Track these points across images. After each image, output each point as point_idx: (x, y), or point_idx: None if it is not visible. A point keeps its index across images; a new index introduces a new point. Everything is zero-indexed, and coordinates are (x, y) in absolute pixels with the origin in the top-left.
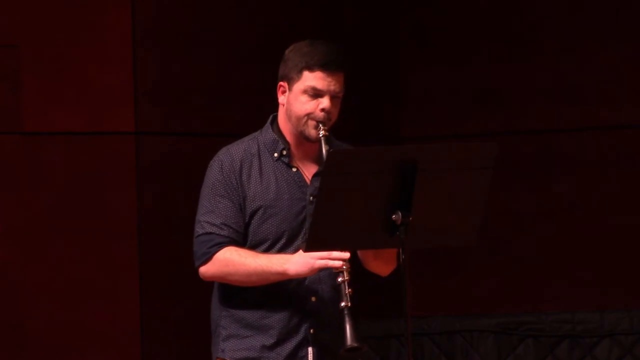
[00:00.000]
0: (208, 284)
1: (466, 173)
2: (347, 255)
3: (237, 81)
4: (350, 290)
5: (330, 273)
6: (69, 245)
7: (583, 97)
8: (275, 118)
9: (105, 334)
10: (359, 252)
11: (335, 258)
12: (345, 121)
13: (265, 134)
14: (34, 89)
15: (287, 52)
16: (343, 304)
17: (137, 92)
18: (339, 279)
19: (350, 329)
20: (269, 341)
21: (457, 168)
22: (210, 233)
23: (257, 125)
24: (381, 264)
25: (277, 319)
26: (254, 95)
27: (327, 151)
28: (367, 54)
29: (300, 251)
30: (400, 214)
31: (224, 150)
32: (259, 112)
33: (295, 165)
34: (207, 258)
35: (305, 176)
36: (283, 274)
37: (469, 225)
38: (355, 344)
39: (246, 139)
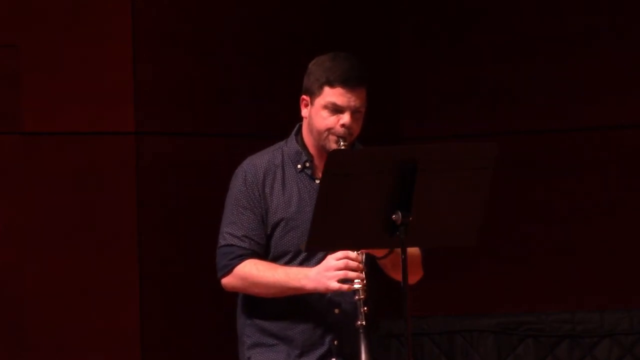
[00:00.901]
0: (208, 285)
1: (466, 173)
2: (362, 275)
3: (236, 81)
4: (365, 308)
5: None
6: (68, 245)
7: (583, 97)
8: (300, 129)
9: (105, 334)
10: (379, 263)
11: (352, 277)
12: None
13: (290, 145)
14: (34, 89)
15: (310, 65)
16: (358, 322)
17: (137, 92)
18: (355, 297)
19: (365, 349)
20: (294, 352)
21: (457, 168)
22: (232, 245)
23: (257, 125)
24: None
25: (300, 331)
26: (254, 95)
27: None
28: (367, 54)
29: (318, 266)
30: (400, 214)
31: (248, 160)
32: (258, 112)
33: (318, 177)
34: (228, 270)
35: None
36: (300, 289)
37: (469, 225)
38: None
39: (271, 148)
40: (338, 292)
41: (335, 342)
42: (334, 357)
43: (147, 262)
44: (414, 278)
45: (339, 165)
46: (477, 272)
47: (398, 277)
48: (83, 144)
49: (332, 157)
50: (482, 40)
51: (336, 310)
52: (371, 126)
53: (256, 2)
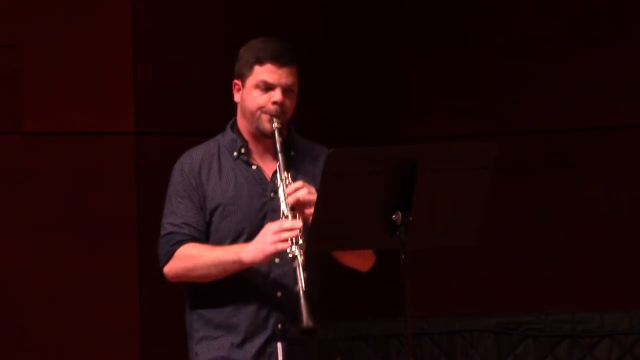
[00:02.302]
0: None
1: (466, 173)
2: (299, 223)
3: None
4: (304, 274)
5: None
6: (68, 245)
7: (583, 97)
8: (235, 120)
9: (105, 334)
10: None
11: (286, 229)
12: (345, 121)
13: (226, 136)
14: (34, 89)
15: (240, 51)
16: (297, 287)
17: (137, 92)
18: (294, 264)
19: (305, 310)
20: (238, 339)
21: (457, 168)
22: (171, 233)
23: None
24: (355, 258)
25: (244, 317)
26: None
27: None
28: (367, 54)
29: (255, 239)
30: (400, 214)
31: (185, 153)
32: None
33: (255, 162)
34: (169, 257)
35: (265, 173)
36: (239, 262)
37: (469, 226)
38: (311, 325)
39: (209, 141)
40: (281, 275)
41: (279, 326)
42: (278, 341)
43: (147, 262)
44: (366, 264)
45: (339, 166)
46: (477, 272)
47: (349, 261)
48: (83, 144)
49: (332, 157)
50: (482, 40)
51: (279, 293)
52: (371, 126)
53: (256, 2)
